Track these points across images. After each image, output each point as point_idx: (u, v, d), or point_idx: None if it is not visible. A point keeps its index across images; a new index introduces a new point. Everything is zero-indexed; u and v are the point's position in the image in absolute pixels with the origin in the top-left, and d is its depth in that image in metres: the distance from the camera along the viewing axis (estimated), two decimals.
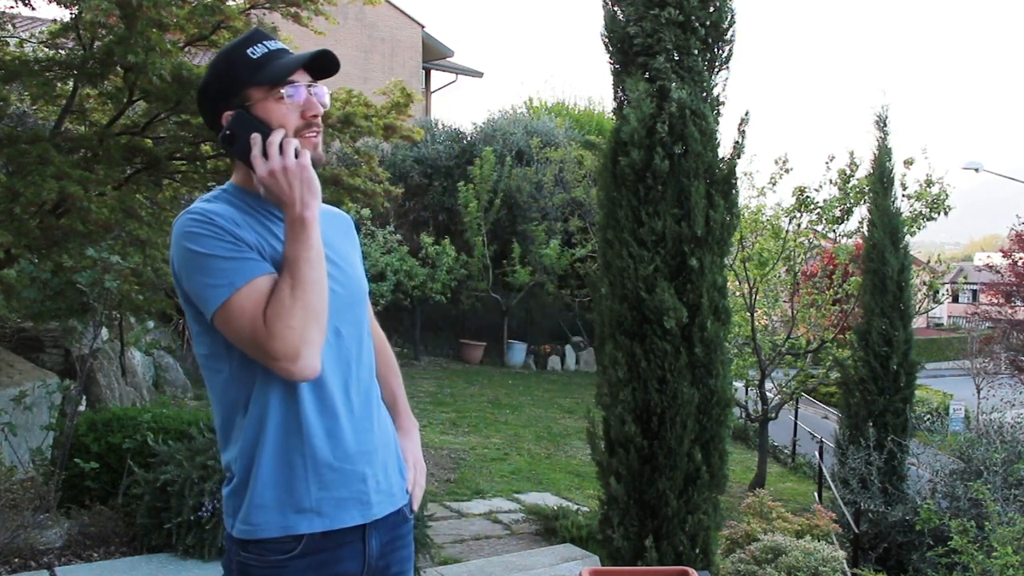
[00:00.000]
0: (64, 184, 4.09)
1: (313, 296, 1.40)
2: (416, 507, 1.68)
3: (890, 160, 7.86)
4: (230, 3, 5.12)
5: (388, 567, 1.58)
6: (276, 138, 1.45)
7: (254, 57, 1.50)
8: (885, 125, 7.94)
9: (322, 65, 1.55)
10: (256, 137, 1.46)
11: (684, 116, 4.00)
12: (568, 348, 17.42)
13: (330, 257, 1.52)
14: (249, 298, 1.39)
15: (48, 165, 4.18)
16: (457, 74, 22.28)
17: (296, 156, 1.45)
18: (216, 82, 1.52)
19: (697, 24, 4.09)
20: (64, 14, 4.59)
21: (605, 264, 4.18)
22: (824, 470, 7.94)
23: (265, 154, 1.44)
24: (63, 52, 4.78)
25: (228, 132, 1.49)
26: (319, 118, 1.54)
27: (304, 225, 1.42)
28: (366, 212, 12.43)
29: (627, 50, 4.19)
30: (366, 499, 1.53)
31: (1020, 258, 20.37)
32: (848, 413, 7.67)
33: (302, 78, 1.52)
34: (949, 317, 43.11)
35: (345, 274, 1.58)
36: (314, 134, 1.53)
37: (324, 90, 1.56)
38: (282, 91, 1.49)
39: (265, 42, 1.52)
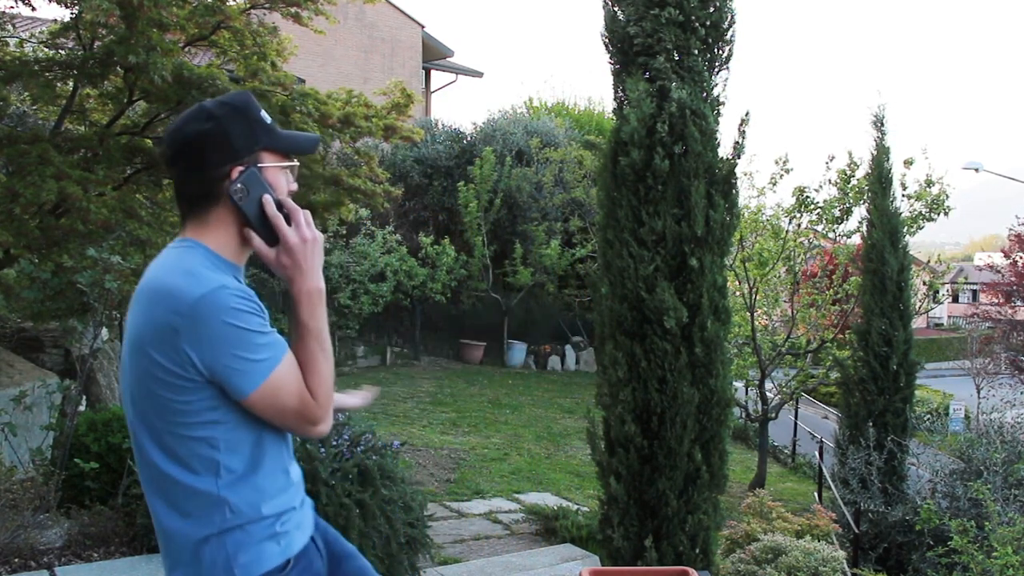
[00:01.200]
0: (64, 184, 4.09)
1: (330, 364, 1.54)
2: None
3: (888, 160, 7.86)
4: (230, 3, 5.12)
5: (329, 545, 1.76)
6: (304, 211, 1.53)
7: (267, 121, 1.55)
8: (882, 125, 7.95)
9: (310, 149, 1.69)
10: (269, 199, 1.50)
11: (684, 116, 4.00)
12: (568, 348, 17.42)
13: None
14: (291, 373, 1.48)
15: (48, 165, 4.18)
16: (457, 74, 22.28)
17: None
18: (232, 136, 1.51)
19: (697, 24, 4.09)
20: (64, 14, 4.59)
21: (605, 264, 4.18)
22: (824, 470, 7.94)
23: (287, 220, 1.52)
24: (63, 52, 4.78)
25: (239, 186, 1.48)
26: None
27: (321, 295, 1.53)
28: (365, 212, 12.44)
29: (627, 50, 4.19)
30: (308, 516, 1.70)
31: (1020, 258, 20.37)
32: (848, 413, 7.67)
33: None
34: (949, 317, 43.11)
35: None
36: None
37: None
38: (290, 163, 1.59)
39: (263, 110, 1.58)
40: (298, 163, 1.63)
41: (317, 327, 1.51)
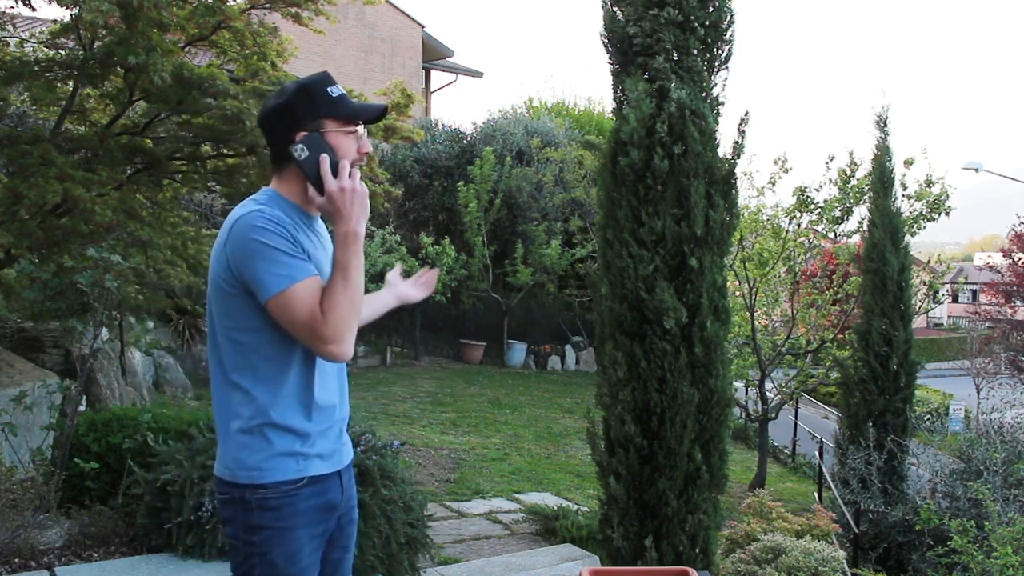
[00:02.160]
0: (68, 186, 4.09)
1: (357, 296, 1.76)
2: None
3: (890, 160, 7.86)
4: (230, 3, 5.12)
5: (349, 500, 1.98)
6: (347, 163, 1.80)
7: (333, 96, 1.86)
8: (885, 125, 7.94)
9: (375, 117, 1.94)
10: (325, 157, 1.78)
11: (683, 116, 4.00)
12: (568, 348, 17.42)
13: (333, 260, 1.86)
14: (307, 291, 1.71)
15: (50, 166, 4.18)
16: (457, 74, 22.28)
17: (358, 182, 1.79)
18: (297, 108, 1.83)
19: (696, 24, 4.09)
20: (64, 14, 4.59)
21: (605, 264, 4.18)
22: (824, 470, 7.94)
23: (334, 174, 1.77)
24: (63, 52, 4.78)
25: (300, 146, 1.78)
26: (367, 156, 1.91)
27: (356, 238, 1.76)
28: None
29: (627, 50, 4.19)
30: (340, 451, 1.94)
31: (1020, 258, 20.38)
32: (848, 413, 7.67)
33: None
34: (949, 317, 43.10)
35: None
36: (360, 165, 1.89)
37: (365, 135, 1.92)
38: (354, 129, 1.86)
39: (337, 85, 1.88)
40: (364, 129, 1.90)
41: (344, 262, 1.74)
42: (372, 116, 1.94)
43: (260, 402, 1.80)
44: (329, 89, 1.86)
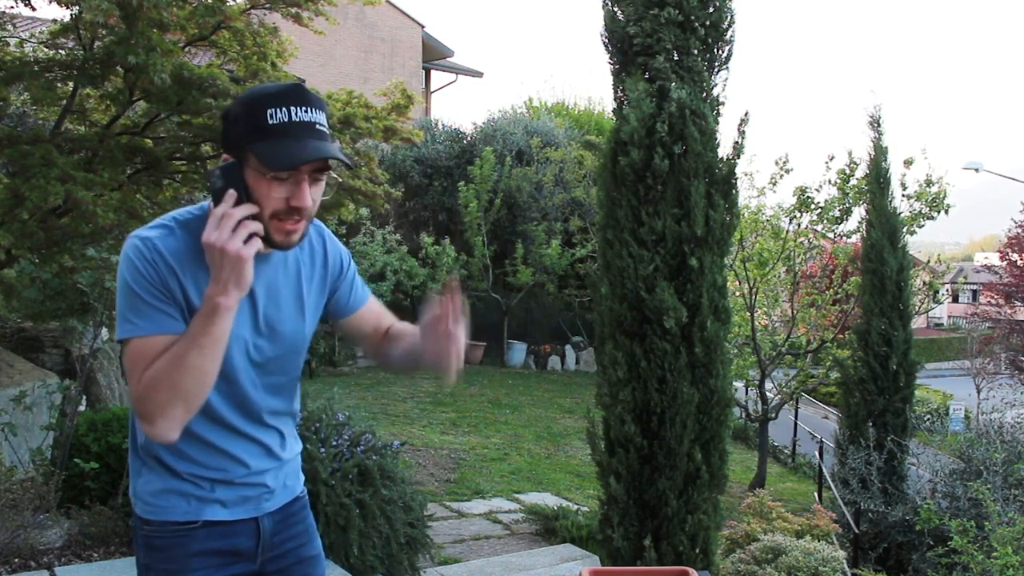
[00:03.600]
0: (70, 187, 4.08)
1: (189, 380, 1.40)
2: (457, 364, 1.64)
3: (886, 160, 7.87)
4: (230, 3, 5.12)
5: (283, 543, 1.72)
6: (238, 213, 1.39)
7: (269, 123, 1.40)
8: (879, 125, 7.95)
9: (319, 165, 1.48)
10: (231, 195, 1.41)
11: (684, 116, 4.01)
12: (568, 348, 17.42)
13: (271, 315, 1.57)
14: (143, 350, 1.41)
15: (52, 167, 4.17)
16: (457, 74, 22.29)
17: (245, 242, 1.39)
18: (232, 122, 1.47)
19: (697, 24, 4.09)
20: (64, 14, 4.59)
21: (605, 264, 4.18)
22: (824, 470, 7.94)
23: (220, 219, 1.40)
24: (63, 52, 4.78)
25: (217, 172, 1.44)
26: (305, 211, 1.46)
27: (214, 311, 1.39)
28: (365, 212, 12.44)
29: (627, 50, 4.19)
30: (261, 501, 1.67)
31: (1017, 259, 20.39)
32: (848, 413, 7.68)
33: (307, 165, 1.43)
34: (949, 317, 43.11)
35: (275, 333, 1.59)
36: (293, 223, 1.46)
37: (322, 186, 1.50)
38: (279, 176, 1.42)
39: (293, 107, 1.41)
40: (300, 173, 1.44)
41: (191, 334, 1.40)
42: (294, 166, 1.41)
43: (141, 430, 1.54)
44: (270, 112, 1.40)
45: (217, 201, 1.42)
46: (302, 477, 1.81)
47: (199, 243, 1.43)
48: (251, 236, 1.41)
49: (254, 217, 1.42)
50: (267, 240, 1.46)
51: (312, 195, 1.46)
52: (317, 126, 1.44)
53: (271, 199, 1.43)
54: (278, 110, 1.40)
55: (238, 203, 1.41)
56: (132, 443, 1.63)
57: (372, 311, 1.83)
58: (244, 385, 1.57)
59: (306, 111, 1.42)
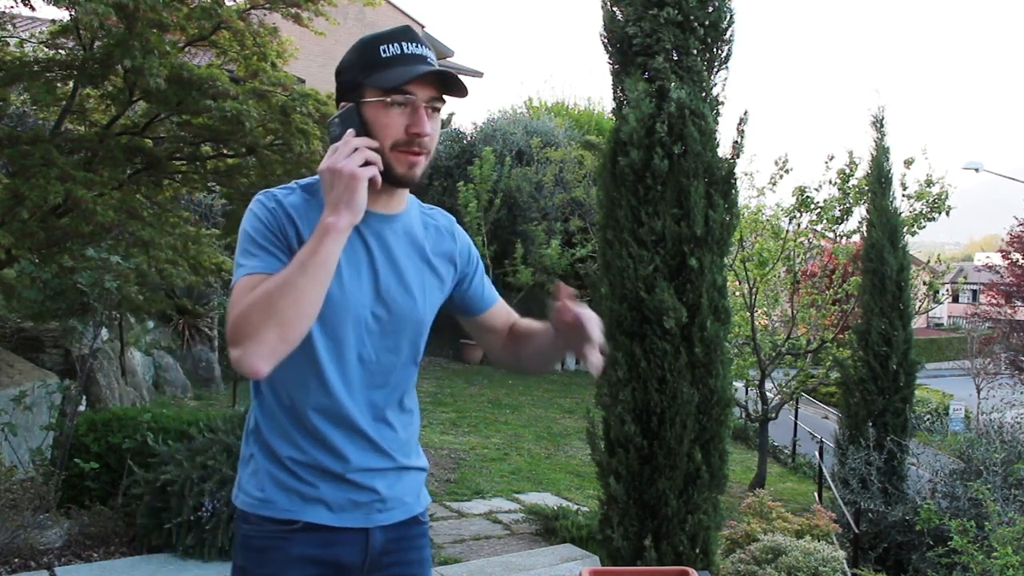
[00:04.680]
0: (70, 187, 4.09)
1: (286, 300, 1.33)
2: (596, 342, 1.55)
3: (887, 160, 7.88)
4: (229, 3, 5.12)
5: (393, 566, 1.58)
6: (353, 140, 1.41)
7: (383, 56, 1.44)
8: (882, 126, 7.96)
9: (449, 83, 1.48)
10: (350, 132, 1.43)
11: (683, 116, 4.00)
12: None
13: (393, 280, 1.52)
14: (247, 285, 1.37)
15: (52, 167, 4.17)
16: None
17: (361, 166, 1.39)
18: (345, 70, 1.49)
19: (696, 24, 4.09)
20: (64, 14, 4.59)
21: (605, 264, 4.18)
22: (824, 470, 7.94)
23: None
24: (63, 53, 4.78)
25: (336, 120, 1.47)
26: (424, 139, 1.45)
27: (324, 231, 1.36)
28: None
29: (626, 50, 4.19)
30: (372, 510, 1.54)
31: (1018, 258, 20.39)
32: (848, 413, 7.68)
33: (423, 92, 1.44)
34: (949, 317, 43.09)
35: (397, 303, 1.53)
36: (414, 152, 1.46)
37: (441, 111, 1.49)
38: (389, 99, 1.43)
39: (404, 42, 1.45)
40: (414, 96, 1.43)
41: (299, 257, 1.36)
42: (409, 79, 1.43)
43: (256, 409, 1.53)
44: (383, 47, 1.44)
45: (334, 141, 1.44)
46: (426, 499, 1.68)
47: (319, 201, 1.44)
48: (367, 163, 1.40)
49: (375, 152, 1.43)
50: (389, 175, 1.45)
51: (431, 126, 1.46)
52: (428, 59, 1.46)
53: (391, 128, 1.43)
54: (390, 45, 1.45)
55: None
56: (245, 429, 1.57)
57: (503, 308, 1.80)
58: (351, 359, 1.49)
59: (416, 46, 1.46)
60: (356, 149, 1.40)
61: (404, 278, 1.54)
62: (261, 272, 1.39)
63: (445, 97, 1.49)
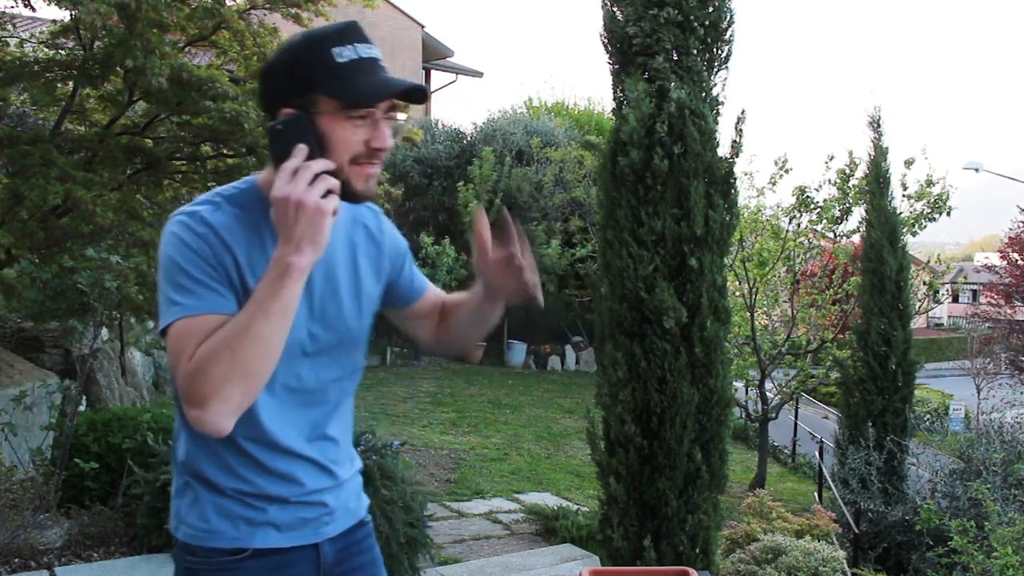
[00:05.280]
0: (69, 187, 4.09)
1: (252, 352, 1.22)
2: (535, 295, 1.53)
3: (885, 160, 7.88)
4: (229, 3, 5.12)
5: (347, 573, 1.53)
6: (313, 164, 1.27)
7: (338, 61, 1.30)
8: (879, 126, 7.97)
9: (409, 95, 1.37)
10: (301, 149, 1.28)
11: (683, 116, 4.00)
12: (568, 348, 17.42)
13: (329, 294, 1.42)
14: (190, 330, 1.24)
15: (51, 167, 4.18)
16: (457, 74, 22.28)
17: (325, 196, 1.27)
18: (287, 71, 1.32)
19: (696, 24, 4.09)
20: (64, 15, 4.59)
21: (605, 264, 4.18)
22: (824, 470, 7.94)
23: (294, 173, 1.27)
24: (63, 53, 4.78)
25: (279, 128, 1.31)
26: (385, 152, 1.36)
27: (286, 272, 1.24)
28: None
29: (626, 50, 4.19)
30: (320, 524, 1.48)
31: (1018, 259, 20.40)
32: (848, 413, 7.68)
33: (384, 102, 1.34)
34: (949, 317, 43.09)
35: (336, 318, 1.44)
36: (373, 166, 1.36)
37: (400, 120, 1.39)
38: (362, 113, 1.31)
39: (357, 44, 1.32)
40: (375, 109, 1.33)
41: (256, 300, 1.23)
42: (387, 96, 1.33)
43: (188, 441, 1.40)
44: (336, 51, 1.30)
45: (282, 158, 1.29)
46: (365, 500, 1.62)
47: (251, 217, 1.33)
48: (328, 192, 1.28)
49: (330, 173, 1.30)
50: (346, 191, 1.33)
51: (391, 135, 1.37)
52: (380, 62, 1.35)
53: (351, 142, 1.32)
54: (344, 48, 1.31)
55: (310, 157, 1.28)
56: (174, 460, 1.46)
57: (432, 292, 1.69)
58: (277, 390, 1.39)
59: (369, 47, 1.34)
60: (317, 176, 1.27)
61: (340, 291, 1.45)
62: (204, 313, 1.26)
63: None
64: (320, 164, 1.28)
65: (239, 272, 1.31)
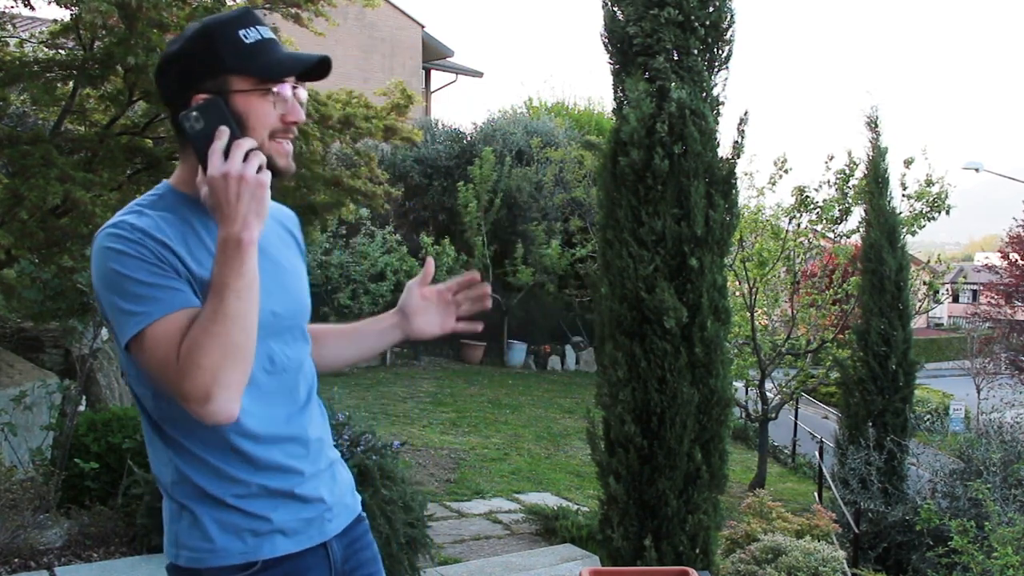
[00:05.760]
0: (69, 187, 4.09)
1: (235, 331, 1.24)
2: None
3: (884, 160, 7.88)
4: (229, 3, 5.12)
5: (354, 571, 1.53)
6: (246, 143, 1.31)
7: (247, 41, 1.35)
8: (877, 126, 7.97)
9: (319, 67, 1.44)
10: (223, 131, 1.31)
11: (684, 116, 4.00)
12: (568, 348, 17.42)
13: (274, 274, 1.43)
14: (166, 333, 1.24)
15: (51, 167, 4.17)
16: (457, 74, 22.29)
17: (258, 171, 1.30)
18: (193, 57, 1.35)
19: (697, 24, 4.09)
20: (64, 14, 4.59)
21: (605, 264, 4.18)
22: (824, 470, 7.94)
23: (226, 153, 1.29)
24: (63, 53, 4.78)
25: (195, 114, 1.32)
26: (296, 125, 1.41)
27: (240, 248, 1.26)
28: (365, 212, 12.44)
29: (627, 50, 4.19)
30: (324, 521, 1.47)
31: (1018, 259, 20.40)
32: (848, 413, 7.68)
33: (290, 78, 1.41)
34: (949, 317, 43.09)
35: (288, 294, 1.47)
36: (288, 139, 1.41)
37: (304, 96, 1.44)
38: (273, 88, 1.36)
39: (258, 27, 1.38)
40: (298, 90, 1.41)
41: (220, 283, 1.25)
42: (301, 69, 1.40)
43: (174, 460, 1.37)
44: (243, 33, 1.35)
45: (203, 143, 1.31)
46: (358, 496, 1.63)
47: (176, 215, 1.34)
48: (260, 167, 1.32)
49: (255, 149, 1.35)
50: (270, 168, 1.36)
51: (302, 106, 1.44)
52: (280, 43, 1.43)
53: (268, 117, 1.37)
54: (248, 30, 1.37)
55: (232, 138, 1.32)
56: (161, 486, 1.41)
57: None
58: (256, 370, 1.37)
59: (266, 30, 1.40)
60: (249, 151, 1.31)
61: (284, 270, 1.48)
62: (173, 311, 1.25)
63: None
64: (248, 142, 1.32)
65: (183, 263, 1.31)
